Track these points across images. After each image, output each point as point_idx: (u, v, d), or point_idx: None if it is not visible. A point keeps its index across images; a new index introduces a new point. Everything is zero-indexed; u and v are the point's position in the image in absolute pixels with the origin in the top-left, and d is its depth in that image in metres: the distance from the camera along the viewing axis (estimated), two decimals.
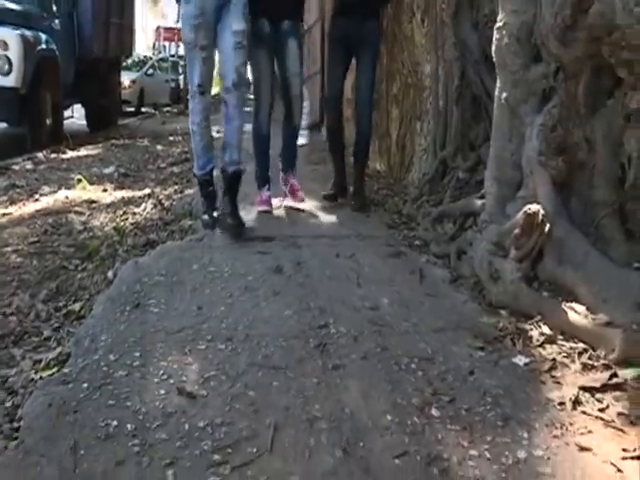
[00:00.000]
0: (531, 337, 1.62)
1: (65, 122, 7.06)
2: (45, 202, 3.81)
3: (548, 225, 1.76)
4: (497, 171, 2.04)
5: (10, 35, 5.38)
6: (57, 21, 6.59)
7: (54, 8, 6.58)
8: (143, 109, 12.55)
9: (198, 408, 1.23)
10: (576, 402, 1.31)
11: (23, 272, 2.46)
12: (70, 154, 5.84)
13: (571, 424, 1.23)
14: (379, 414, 1.23)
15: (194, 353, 1.47)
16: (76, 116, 8.19)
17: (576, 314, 1.60)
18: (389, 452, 1.11)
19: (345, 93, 3.44)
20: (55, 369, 1.57)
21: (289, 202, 3.16)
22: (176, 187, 4.09)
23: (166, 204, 3.49)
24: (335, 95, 3.26)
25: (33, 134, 5.79)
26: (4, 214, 3.50)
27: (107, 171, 4.86)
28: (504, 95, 1.98)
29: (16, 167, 5.04)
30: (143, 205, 3.53)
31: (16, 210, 3.61)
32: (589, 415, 1.27)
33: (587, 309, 1.60)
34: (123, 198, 3.84)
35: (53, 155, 5.67)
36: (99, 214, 3.45)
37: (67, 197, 3.85)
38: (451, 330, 1.67)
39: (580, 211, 1.86)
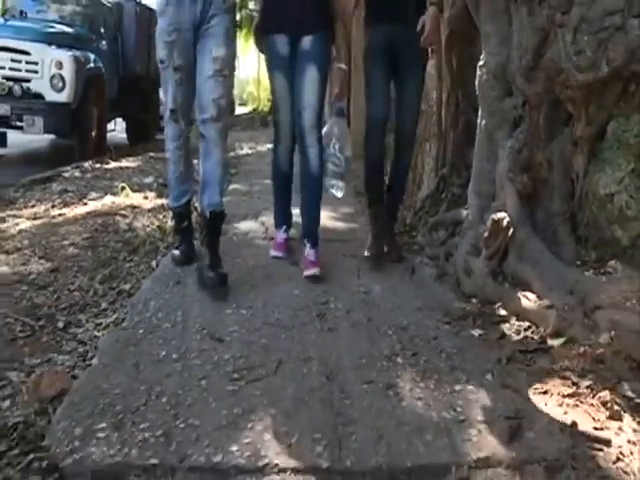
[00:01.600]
0: (490, 317, 2.06)
1: (108, 135, 7.74)
2: (93, 205, 4.36)
3: (512, 229, 2.20)
4: (477, 186, 2.50)
5: (65, 56, 6.06)
6: (104, 42, 7.30)
7: (102, 30, 7.31)
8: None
9: (224, 347, 1.72)
10: (510, 359, 1.75)
11: (81, 260, 2.98)
12: (113, 164, 6.44)
13: (502, 372, 1.67)
14: (356, 358, 1.70)
15: (222, 314, 1.97)
16: (117, 129, 8.89)
17: (527, 300, 2.04)
18: (360, 380, 1.57)
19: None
20: (113, 329, 2.08)
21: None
22: None
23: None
24: (380, 120, 2.67)
25: (81, 145, 6.44)
26: (60, 214, 4.06)
27: (147, 181, 5.43)
28: (483, 122, 2.44)
29: (66, 175, 5.65)
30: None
31: (69, 211, 4.17)
32: (518, 367, 1.71)
33: (537, 297, 2.03)
34: (162, 204, 4.38)
35: (97, 165, 6.27)
36: (141, 217, 3.98)
37: (113, 202, 4.40)
38: (427, 310, 2.12)
39: (543, 219, 2.30)
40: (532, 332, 1.92)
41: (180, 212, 2.70)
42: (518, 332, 1.94)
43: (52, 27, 6.50)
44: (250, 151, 7.21)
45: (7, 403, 1.66)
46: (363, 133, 2.77)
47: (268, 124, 13.84)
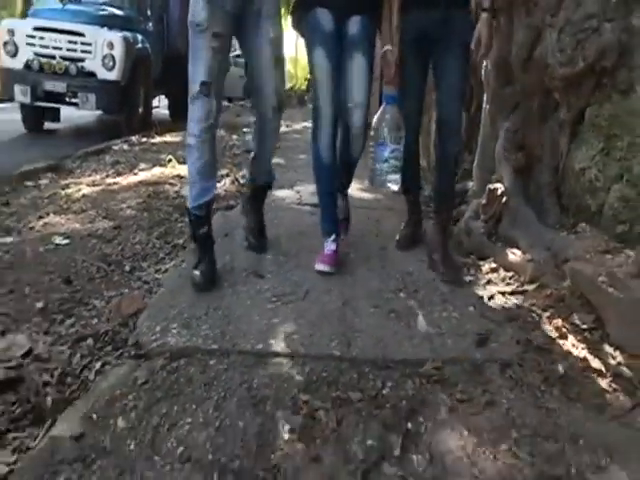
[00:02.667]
0: (481, 269, 2.53)
1: (152, 111, 8.34)
2: (144, 175, 4.93)
3: (505, 198, 2.66)
4: (481, 162, 2.95)
5: (115, 37, 6.63)
6: (150, 23, 7.85)
7: (149, 12, 7.85)
8: None
9: (264, 281, 2.24)
10: (491, 297, 2.22)
11: (139, 220, 3.53)
12: (157, 139, 7.01)
13: (482, 306, 2.15)
14: (368, 292, 2.20)
15: (263, 259, 2.49)
16: (160, 106, 9.49)
17: (513, 255, 2.49)
18: (368, 306, 2.08)
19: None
20: (173, 270, 2.61)
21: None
22: None
23: (241, 181, 4.53)
24: (413, 114, 2.55)
25: (128, 121, 7.03)
26: (114, 182, 4.64)
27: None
28: (487, 107, 2.89)
29: (116, 148, 6.24)
30: (223, 181, 4.58)
31: (123, 180, 4.74)
32: (497, 303, 2.18)
33: (521, 252, 2.49)
34: None
35: (144, 139, 6.84)
36: (187, 185, 4.53)
37: (162, 172, 4.95)
38: None
39: (533, 190, 2.74)
40: (513, 280, 2.38)
41: (200, 216, 2.33)
42: (503, 280, 2.41)
43: (104, 10, 7.08)
44: (287, 129, 7.69)
45: (95, 320, 2.20)
46: None
47: (305, 103, 14.30)
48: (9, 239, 3.13)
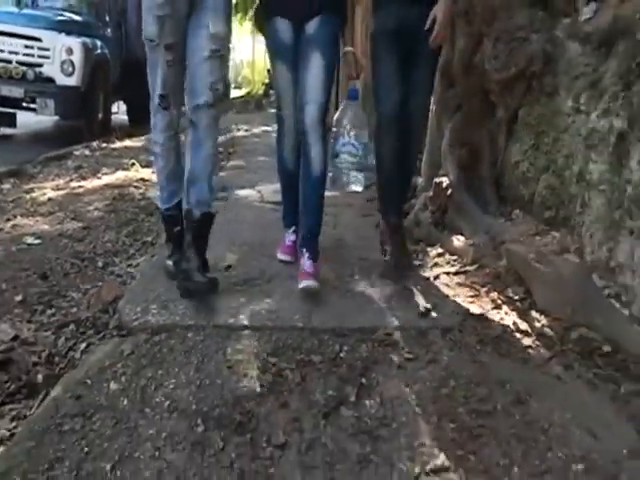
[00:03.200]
0: (429, 254, 2.83)
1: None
2: (107, 179, 5.11)
3: (450, 191, 2.97)
4: (428, 158, 3.27)
5: (74, 42, 6.78)
6: (109, 29, 8.01)
7: (107, 18, 8.01)
8: None
9: (232, 269, 2.49)
10: (436, 277, 2.53)
11: (106, 221, 3.73)
12: (118, 144, 7.16)
13: (429, 285, 2.44)
14: (325, 278, 2.46)
15: (231, 251, 2.73)
16: (119, 112, 9.61)
17: (457, 241, 2.81)
18: (327, 286, 2.35)
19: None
20: (145, 262, 2.84)
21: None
22: None
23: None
24: (392, 112, 2.43)
25: (88, 126, 7.17)
26: (79, 186, 4.80)
27: (152, 158, 6.17)
28: (433, 108, 3.20)
29: (77, 153, 6.38)
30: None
31: (87, 184, 4.91)
32: (442, 283, 2.48)
33: (465, 239, 2.80)
34: None
35: (104, 144, 6.99)
36: (152, 188, 4.72)
37: (125, 176, 5.14)
38: None
39: (476, 183, 3.06)
40: (457, 262, 2.69)
41: (171, 215, 2.45)
42: (448, 262, 2.72)
43: (62, 15, 7.23)
44: (246, 133, 7.94)
45: (75, 309, 2.41)
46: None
47: (262, 107, 14.56)
48: None
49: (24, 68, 6.68)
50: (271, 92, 16.99)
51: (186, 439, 1.44)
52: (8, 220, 3.73)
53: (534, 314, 2.12)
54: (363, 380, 1.73)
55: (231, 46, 2.44)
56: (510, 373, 1.77)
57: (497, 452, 1.44)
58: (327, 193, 2.49)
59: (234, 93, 17.15)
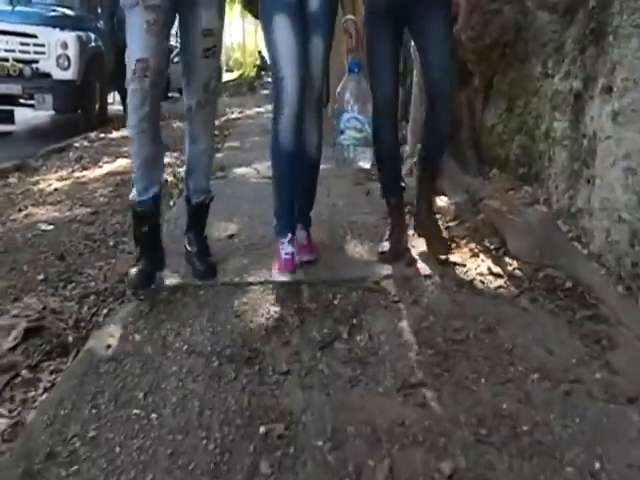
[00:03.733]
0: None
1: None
2: (109, 168, 5.38)
3: None
4: (413, 126, 3.53)
5: (69, 37, 7.00)
6: (101, 21, 8.22)
7: (99, 11, 8.23)
8: (169, 94, 14.21)
9: (235, 237, 2.77)
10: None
11: (113, 206, 4.00)
12: (115, 134, 7.41)
13: (414, 239, 2.71)
14: (318, 240, 2.74)
15: (232, 220, 3.01)
16: (114, 102, 9.86)
17: (441, 202, 3.08)
18: (321, 246, 2.62)
19: None
20: None
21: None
22: None
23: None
24: (388, 97, 2.39)
25: (86, 118, 7.42)
26: (82, 176, 5.08)
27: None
28: (415, 79, 3.45)
29: (77, 145, 6.64)
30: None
31: (90, 173, 5.19)
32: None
33: (447, 199, 3.07)
34: (168, 163, 5.40)
35: (102, 135, 7.24)
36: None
37: (127, 164, 5.41)
38: (373, 213, 3.16)
39: (457, 147, 3.32)
40: (441, 220, 2.96)
41: (145, 211, 2.25)
42: None
43: (55, 11, 7.43)
44: (240, 115, 8.19)
45: (93, 283, 2.69)
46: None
47: (255, 89, 14.77)
48: None
49: (21, 65, 6.90)
50: (262, 73, 17.18)
51: (204, 372, 1.73)
52: (20, 210, 4.01)
53: (507, 259, 2.41)
54: (354, 321, 2.01)
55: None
56: (482, 308, 2.05)
57: (467, 369, 1.72)
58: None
59: (226, 76, 17.32)
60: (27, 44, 6.95)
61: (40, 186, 4.78)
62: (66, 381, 1.73)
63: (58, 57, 6.96)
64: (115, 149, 6.37)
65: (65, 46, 6.91)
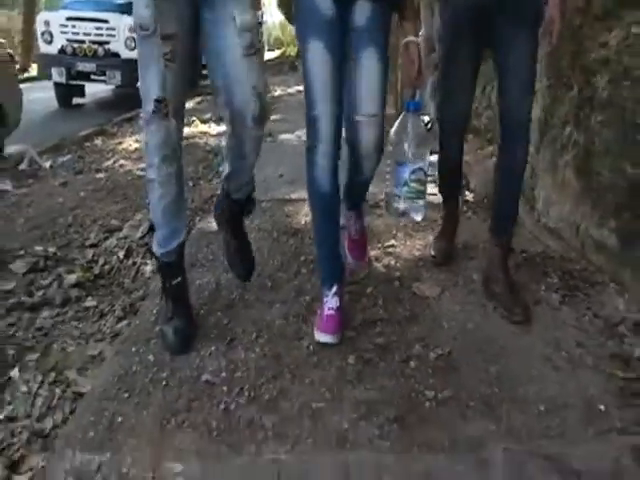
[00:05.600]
0: None
1: None
2: None
3: None
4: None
5: None
6: None
7: None
8: None
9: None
10: None
11: (186, 160, 5.41)
12: None
13: None
14: None
15: (278, 160, 4.43)
16: None
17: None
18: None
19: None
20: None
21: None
22: None
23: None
24: (458, 115, 2.33)
25: None
26: None
27: (206, 116, 7.89)
28: None
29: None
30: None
31: None
32: None
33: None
34: (223, 131, 6.84)
35: None
36: (211, 138, 6.44)
37: (188, 130, 6.86)
38: None
39: None
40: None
41: (170, 263, 2.12)
42: None
43: None
44: (282, 92, 9.58)
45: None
46: None
47: (297, 68, 16.09)
48: (102, 174, 5.07)
49: (95, 46, 8.45)
50: None
51: (270, 237, 3.12)
52: (114, 162, 5.51)
53: (469, 195, 3.74)
54: None
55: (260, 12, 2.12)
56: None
57: None
58: None
59: (268, 55, 18.67)
60: (101, 28, 8.49)
61: (122, 146, 6.29)
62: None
63: (126, 39, 8.47)
64: None
65: (132, 29, 8.37)
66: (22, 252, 3.27)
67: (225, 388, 1.79)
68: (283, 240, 3.04)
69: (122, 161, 5.56)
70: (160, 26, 1.80)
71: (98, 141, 6.70)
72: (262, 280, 2.52)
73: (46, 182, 4.97)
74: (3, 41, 5.72)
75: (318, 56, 1.95)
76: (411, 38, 2.06)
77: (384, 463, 1.47)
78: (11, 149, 5.84)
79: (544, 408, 1.66)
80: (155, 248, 2.14)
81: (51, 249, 3.29)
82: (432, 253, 2.67)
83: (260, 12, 1.98)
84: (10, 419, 1.90)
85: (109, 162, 5.57)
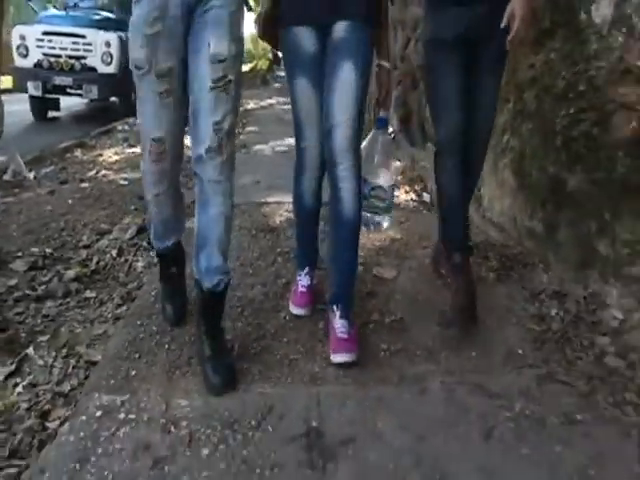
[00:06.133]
0: None
1: None
2: None
3: (393, 136, 5.08)
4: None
5: (111, 37, 8.91)
6: None
7: None
8: None
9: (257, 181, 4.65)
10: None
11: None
12: None
13: None
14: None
15: (254, 169, 4.89)
16: None
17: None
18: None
19: None
20: None
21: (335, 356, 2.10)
22: None
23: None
24: (454, 136, 2.29)
25: (124, 104, 9.32)
26: (133, 152, 6.94)
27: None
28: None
29: (120, 127, 8.54)
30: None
31: (138, 149, 7.06)
32: None
33: (399, 163, 4.92)
34: None
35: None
36: None
37: None
38: None
39: (410, 130, 5.16)
40: None
41: (167, 254, 2.35)
42: None
43: (99, 14, 9.39)
44: (255, 106, 10.08)
45: None
46: None
47: (268, 82, 16.65)
48: (86, 184, 5.46)
49: (72, 61, 8.82)
50: (274, 67, 19.02)
51: (249, 234, 3.56)
52: (97, 172, 5.90)
53: (426, 196, 4.23)
54: None
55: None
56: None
57: None
58: None
59: None
60: (77, 43, 8.87)
61: (102, 157, 6.67)
62: None
63: (102, 54, 8.86)
64: None
65: (108, 45, 8.81)
66: (20, 253, 3.63)
67: None
68: (261, 236, 3.48)
69: (104, 171, 5.95)
70: (155, 62, 1.88)
71: (78, 153, 7.07)
72: (244, 269, 2.96)
73: (33, 191, 5.33)
74: None
75: (304, 92, 2.17)
76: (383, 62, 2.22)
77: (346, 393, 1.93)
78: None
79: (475, 354, 2.14)
80: (154, 242, 2.37)
81: (47, 250, 3.68)
82: (447, 316, 2.32)
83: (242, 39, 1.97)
84: (33, 385, 2.29)
85: (92, 172, 5.96)
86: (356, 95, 2.04)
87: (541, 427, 1.77)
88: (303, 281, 2.48)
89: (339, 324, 2.14)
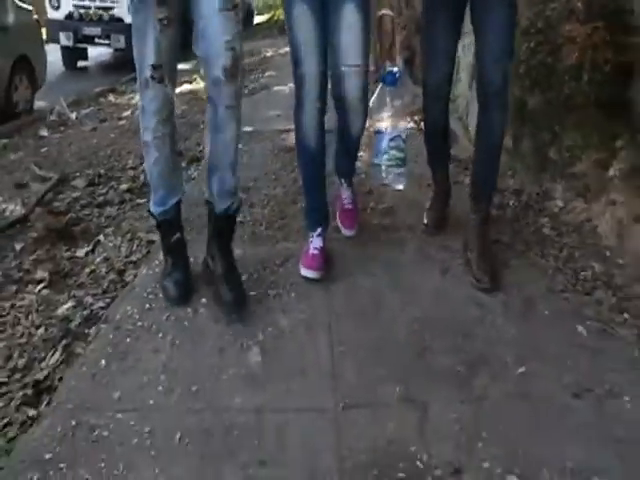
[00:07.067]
0: None
1: None
2: (178, 90, 7.92)
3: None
4: None
5: None
6: None
7: None
8: None
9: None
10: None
11: (189, 114, 6.58)
12: None
13: None
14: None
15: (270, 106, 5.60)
16: None
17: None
18: None
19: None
20: None
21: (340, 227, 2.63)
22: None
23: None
24: (440, 80, 2.48)
25: None
26: None
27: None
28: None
29: None
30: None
31: None
32: None
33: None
34: None
35: None
36: None
37: (192, 87, 7.98)
38: None
39: (414, 70, 5.81)
40: None
41: (167, 220, 2.34)
42: None
43: None
44: (274, 53, 10.68)
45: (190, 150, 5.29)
46: None
47: (285, 32, 17.01)
48: (124, 122, 6.20)
49: (100, 12, 9.51)
50: None
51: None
52: (132, 112, 6.62)
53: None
54: None
55: None
56: None
57: None
58: None
59: (257, 19, 19.49)
60: None
61: (134, 101, 7.37)
62: None
63: (129, 5, 9.43)
64: (178, 78, 8.92)
65: None
66: (78, 174, 4.43)
67: (251, 224, 3.03)
68: (281, 155, 4.25)
69: (138, 112, 6.67)
70: None
71: (111, 97, 7.83)
72: (268, 176, 3.75)
73: (77, 129, 6.11)
74: (31, 8, 6.81)
75: (302, 17, 2.18)
76: (386, 11, 2.37)
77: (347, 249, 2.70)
78: (40, 103, 7.00)
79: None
80: (153, 208, 2.37)
81: (101, 171, 4.45)
82: (424, 222, 2.81)
83: None
84: (107, 258, 3.07)
85: (127, 112, 6.71)
86: (364, 33, 2.18)
87: None
88: (315, 243, 2.45)
89: (345, 195, 2.69)
